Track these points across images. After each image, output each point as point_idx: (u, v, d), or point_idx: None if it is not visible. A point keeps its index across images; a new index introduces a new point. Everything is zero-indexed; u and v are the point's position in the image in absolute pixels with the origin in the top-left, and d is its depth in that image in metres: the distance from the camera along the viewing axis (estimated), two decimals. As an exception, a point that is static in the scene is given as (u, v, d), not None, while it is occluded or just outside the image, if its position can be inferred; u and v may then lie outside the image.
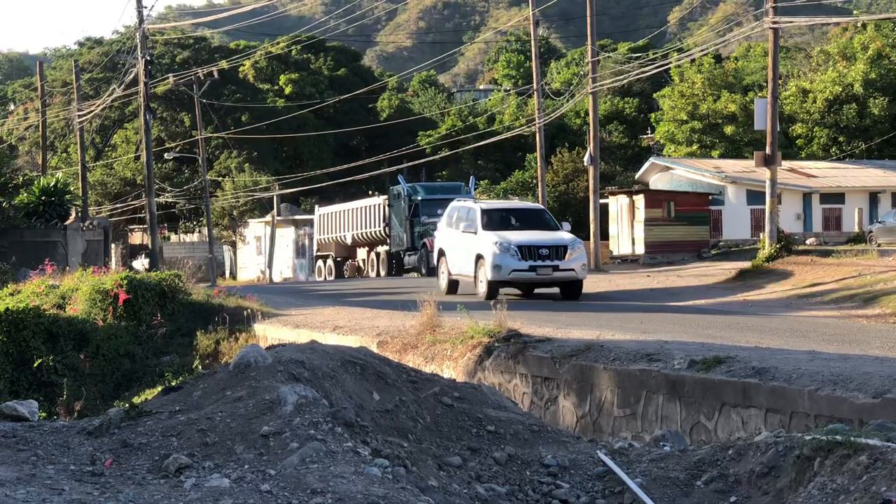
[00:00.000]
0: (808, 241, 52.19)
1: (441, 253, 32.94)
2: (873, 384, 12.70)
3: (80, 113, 61.64)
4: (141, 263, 65.34)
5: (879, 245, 47.82)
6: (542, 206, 37.78)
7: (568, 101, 62.99)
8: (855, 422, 11.54)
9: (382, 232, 60.17)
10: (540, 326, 21.10)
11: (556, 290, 30.93)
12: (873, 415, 11.49)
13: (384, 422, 10.36)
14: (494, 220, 31.33)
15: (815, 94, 71.94)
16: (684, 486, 9.62)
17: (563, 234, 30.96)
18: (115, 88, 56.40)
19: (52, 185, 52.32)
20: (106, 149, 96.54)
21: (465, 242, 30.93)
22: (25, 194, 52.14)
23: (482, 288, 29.81)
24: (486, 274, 29.57)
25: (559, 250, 29.70)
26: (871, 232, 54.19)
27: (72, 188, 56.00)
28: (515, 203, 44.61)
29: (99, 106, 62.33)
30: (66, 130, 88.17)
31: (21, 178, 55.16)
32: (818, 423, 12.20)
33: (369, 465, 8.95)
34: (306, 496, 8.22)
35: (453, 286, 32.15)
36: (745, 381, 14.27)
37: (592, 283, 37.90)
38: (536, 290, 31.50)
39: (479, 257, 29.94)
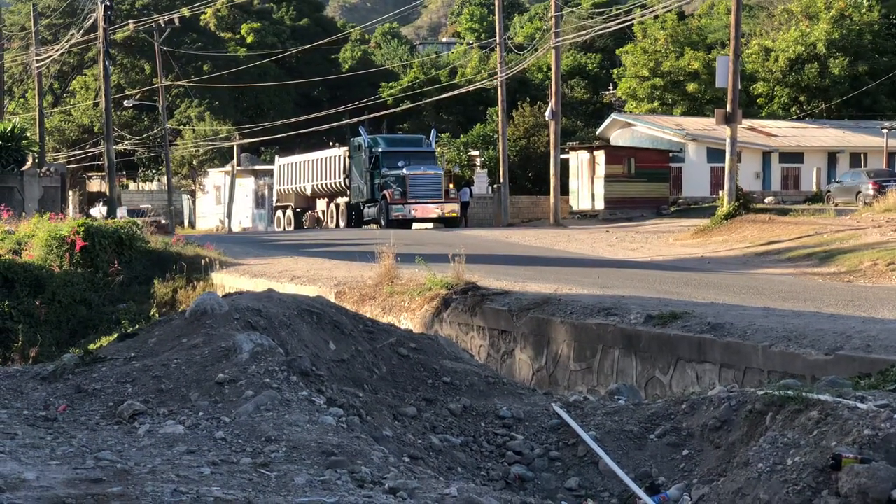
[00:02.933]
0: (766, 200, 52.45)
1: None
2: (826, 341, 12.80)
3: (39, 58, 61.00)
4: (99, 211, 64.88)
5: (837, 205, 48.11)
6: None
7: (530, 55, 62.84)
8: (807, 378, 11.63)
9: (343, 183, 60.01)
10: (498, 279, 21.12)
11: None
12: (826, 371, 11.59)
13: (340, 371, 10.36)
14: None
15: (778, 53, 72.05)
16: (638, 439, 9.67)
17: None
18: (73, 34, 55.82)
19: (8, 130, 51.78)
20: (64, 95, 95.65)
21: None
22: (-19, 139, 51.58)
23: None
24: None
25: None
26: (828, 191, 54.50)
27: (29, 134, 55.48)
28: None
29: (57, 51, 61.69)
30: (24, 76, 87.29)
31: (-23, 123, 54.54)
32: (771, 378, 12.29)
33: (324, 413, 8.95)
34: (260, 444, 8.22)
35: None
36: (701, 337, 14.35)
37: (552, 239, 37.97)
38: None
39: None
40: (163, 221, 54.20)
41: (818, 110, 72.35)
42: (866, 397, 8.33)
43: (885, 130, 59.42)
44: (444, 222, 53.83)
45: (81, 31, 54.77)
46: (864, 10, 73.13)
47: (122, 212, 59.04)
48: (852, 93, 70.59)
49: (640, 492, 8.68)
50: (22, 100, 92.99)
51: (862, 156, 64.52)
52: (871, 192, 49.40)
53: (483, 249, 31.80)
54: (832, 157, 64.83)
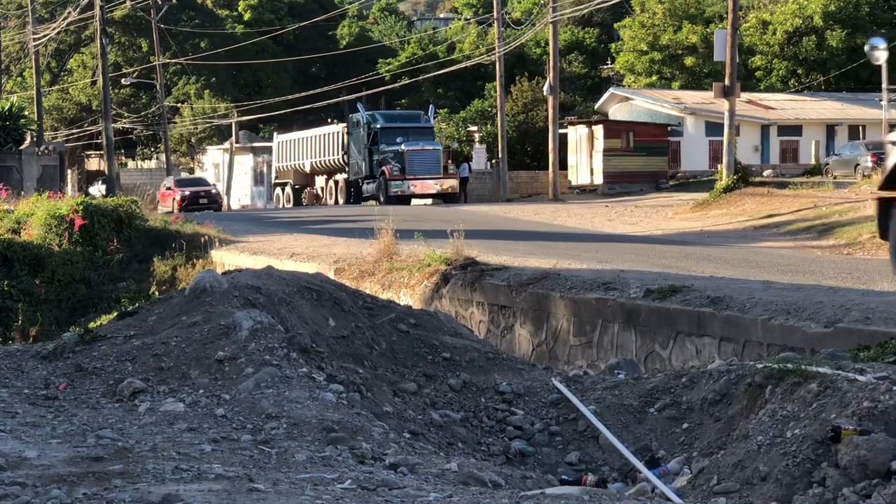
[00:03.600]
0: (765, 173, 52.42)
1: None
2: (825, 314, 12.81)
3: (36, 36, 60.84)
4: (97, 189, 64.85)
5: (835, 177, 48.09)
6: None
7: (528, 30, 62.71)
8: (807, 351, 11.65)
9: (341, 160, 59.94)
10: (497, 255, 21.13)
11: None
12: (825, 344, 11.60)
13: (340, 348, 10.37)
14: None
15: (775, 26, 71.86)
16: (638, 413, 9.70)
17: None
18: (70, 12, 55.67)
19: (6, 109, 51.69)
20: (62, 73, 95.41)
21: None
22: (-21, 118, 51.49)
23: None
24: None
25: None
26: (827, 164, 54.45)
27: (27, 113, 55.37)
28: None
29: (54, 29, 61.54)
30: (21, 54, 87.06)
31: (-25, 102, 54.43)
32: (771, 351, 12.30)
33: (324, 390, 8.97)
34: (261, 421, 8.24)
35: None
36: (700, 311, 14.35)
37: (551, 214, 37.99)
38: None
39: None
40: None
41: (816, 83, 72.22)
42: (865, 369, 8.35)
43: (883, 103, 59.36)
44: (442, 198, 53.80)
45: (78, 9, 54.65)
46: (862, -18, 72.95)
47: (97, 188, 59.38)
48: (850, 65, 70.40)
49: (640, 465, 8.70)
50: (20, 78, 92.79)
51: (860, 128, 64.43)
52: (869, 164, 49.35)
53: (482, 225, 31.80)
54: (830, 129, 64.74)
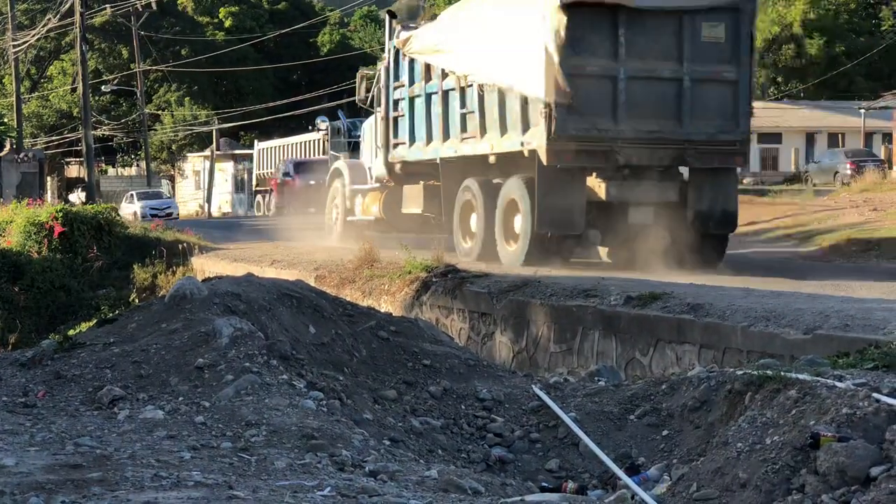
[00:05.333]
0: (745, 181, 52.51)
1: None
2: (805, 320, 12.84)
3: (15, 43, 60.68)
4: (77, 197, 64.71)
5: (815, 185, 48.28)
6: None
7: None
8: (786, 357, 11.67)
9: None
10: (477, 262, 21.13)
11: None
12: (804, 350, 11.63)
13: (320, 355, 10.36)
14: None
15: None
16: (618, 420, 9.71)
17: None
18: (50, 18, 55.55)
19: (-14, 116, 51.55)
20: (42, 80, 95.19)
21: None
22: (-41, 125, 51.39)
23: None
24: None
25: None
26: (807, 172, 54.68)
27: (6, 120, 55.32)
28: None
29: (34, 36, 61.37)
30: (1, 61, 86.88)
31: (-46, 109, 54.31)
32: (750, 358, 12.32)
33: (304, 397, 8.96)
34: (241, 428, 8.22)
35: None
36: (680, 318, 14.38)
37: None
38: None
39: None
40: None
41: (795, 91, 72.49)
42: (844, 376, 8.37)
43: (862, 111, 59.59)
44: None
45: (58, 16, 54.50)
46: (842, -9, 73.35)
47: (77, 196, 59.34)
48: (829, 72, 70.72)
49: (620, 472, 8.71)
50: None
51: (840, 136, 64.74)
52: (848, 172, 49.61)
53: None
54: (810, 137, 65.03)
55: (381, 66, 27.04)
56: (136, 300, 25.35)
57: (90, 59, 64.03)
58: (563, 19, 19.47)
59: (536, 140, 20.17)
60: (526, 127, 20.62)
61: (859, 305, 13.83)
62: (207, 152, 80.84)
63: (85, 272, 30.05)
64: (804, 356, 10.23)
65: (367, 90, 27.80)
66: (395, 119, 25.78)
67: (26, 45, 63.13)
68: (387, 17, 27.88)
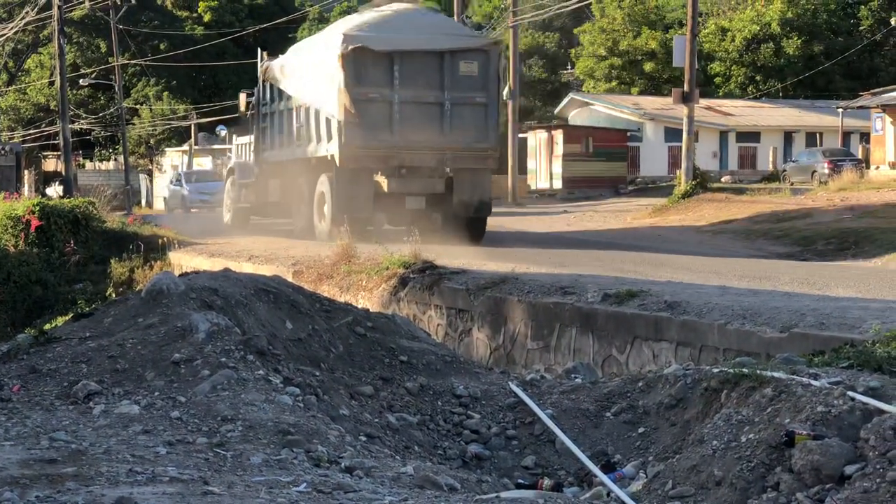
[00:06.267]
0: (723, 179, 52.68)
1: None
2: (781, 318, 12.89)
3: (-7, 36, 60.40)
4: (55, 190, 64.37)
5: (792, 184, 48.39)
6: None
7: (489, 34, 62.76)
8: (763, 355, 11.70)
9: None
10: (455, 258, 21.15)
11: None
12: (780, 349, 11.66)
13: (297, 350, 10.35)
14: None
15: (734, 33, 72.27)
16: (594, 417, 9.72)
17: None
18: (28, 11, 55.30)
19: (-37, 109, 51.31)
20: (19, 73, 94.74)
21: None
22: (-65, 118, 51.12)
23: None
24: None
25: None
26: (784, 171, 54.81)
27: (-17, 113, 54.99)
28: None
29: (11, 29, 61.07)
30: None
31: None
32: (727, 356, 12.36)
33: (280, 393, 8.95)
34: (216, 423, 8.21)
35: None
36: (657, 315, 14.41)
37: (509, 218, 38.06)
38: None
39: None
40: None
41: (774, 90, 72.67)
42: (820, 374, 8.40)
43: (840, 110, 59.79)
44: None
45: (36, 9, 54.23)
46: (820, -10, 73.50)
47: (54, 189, 58.08)
48: (807, 73, 70.90)
49: (595, 469, 8.72)
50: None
51: (818, 135, 64.90)
52: (826, 171, 49.74)
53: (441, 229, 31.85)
54: (788, 136, 65.17)
55: (256, 88, 34.90)
56: (113, 295, 25.26)
57: (68, 52, 63.81)
58: (349, 58, 26.52)
59: (334, 149, 27.21)
60: (329, 138, 27.61)
61: (835, 304, 13.88)
62: (185, 147, 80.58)
63: (62, 266, 29.95)
64: (780, 354, 10.26)
65: (246, 107, 35.72)
66: (263, 129, 33.64)
67: (4, 38, 62.85)
68: (258, 51, 36.33)
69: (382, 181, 27.60)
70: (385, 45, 26.85)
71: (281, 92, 31.78)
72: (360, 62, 26.65)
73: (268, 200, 33.67)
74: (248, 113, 35.56)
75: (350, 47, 26.59)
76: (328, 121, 27.64)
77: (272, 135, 32.64)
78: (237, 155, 39.02)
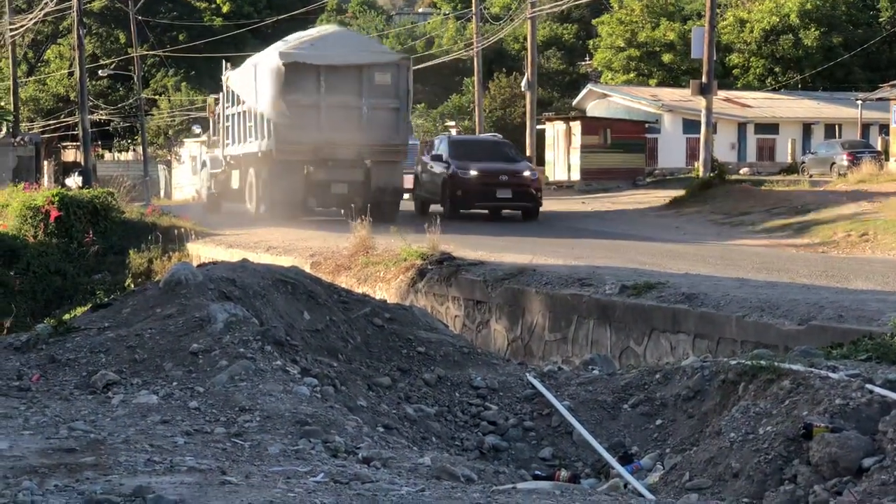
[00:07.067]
0: (741, 171, 52.56)
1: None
2: (799, 311, 12.86)
3: (12, 27, 60.55)
4: (74, 181, 64.49)
5: (811, 176, 48.26)
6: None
7: (507, 25, 62.72)
8: (780, 348, 11.69)
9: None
10: (473, 250, 21.15)
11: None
12: (798, 341, 11.65)
13: (314, 341, 10.37)
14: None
15: (753, 24, 72.05)
16: (612, 409, 9.72)
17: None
18: (48, 2, 55.42)
19: (-18, 99, 51.41)
20: (39, 64, 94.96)
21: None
22: (-45, 108, 51.24)
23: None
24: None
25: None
26: (803, 163, 54.64)
27: (3, 104, 55.18)
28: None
29: (31, 20, 61.22)
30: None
31: (-49, 92, 54.18)
32: (745, 348, 12.35)
33: (298, 383, 8.97)
34: (234, 413, 8.23)
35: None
36: (675, 307, 14.40)
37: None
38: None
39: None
40: None
41: (793, 81, 72.44)
42: (838, 367, 8.39)
43: (859, 102, 59.58)
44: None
45: (55, 0, 54.38)
46: (839, -19, 73.19)
47: (73, 180, 57.35)
48: (826, 64, 70.64)
49: (613, 461, 8.73)
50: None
51: (836, 127, 64.67)
52: (845, 163, 49.56)
53: (458, 220, 31.85)
54: (807, 128, 64.97)
55: (221, 93, 40.69)
56: (132, 285, 25.28)
57: (87, 43, 63.89)
58: (283, 71, 31.90)
59: (272, 145, 32.59)
60: (269, 136, 32.89)
61: (853, 297, 13.85)
62: (205, 137, 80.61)
63: (81, 257, 30.01)
64: (798, 347, 10.26)
65: (212, 110, 42.43)
66: (226, 128, 39.34)
67: (24, 28, 62.98)
68: (223, 61, 41.93)
69: (312, 171, 32.79)
70: (313, 60, 32.47)
71: (238, 97, 37.24)
72: (292, 74, 32.03)
73: (231, 188, 39.11)
74: (216, 114, 42.12)
75: (285, 62, 32.20)
76: (268, 121, 32.99)
77: (232, 133, 38.19)
78: (209, 149, 44.66)
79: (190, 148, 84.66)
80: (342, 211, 30.21)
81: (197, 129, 54.38)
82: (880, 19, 73.98)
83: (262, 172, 34.26)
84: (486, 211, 34.19)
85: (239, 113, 36.99)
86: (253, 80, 34.81)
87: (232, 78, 38.48)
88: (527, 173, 33.96)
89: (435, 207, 34.30)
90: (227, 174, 39.44)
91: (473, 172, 33.11)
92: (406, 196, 36.25)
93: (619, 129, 55.23)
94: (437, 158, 34.71)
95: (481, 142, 39.69)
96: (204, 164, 44.55)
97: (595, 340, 15.67)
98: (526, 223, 32.45)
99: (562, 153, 55.65)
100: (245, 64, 37.72)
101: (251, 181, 35.52)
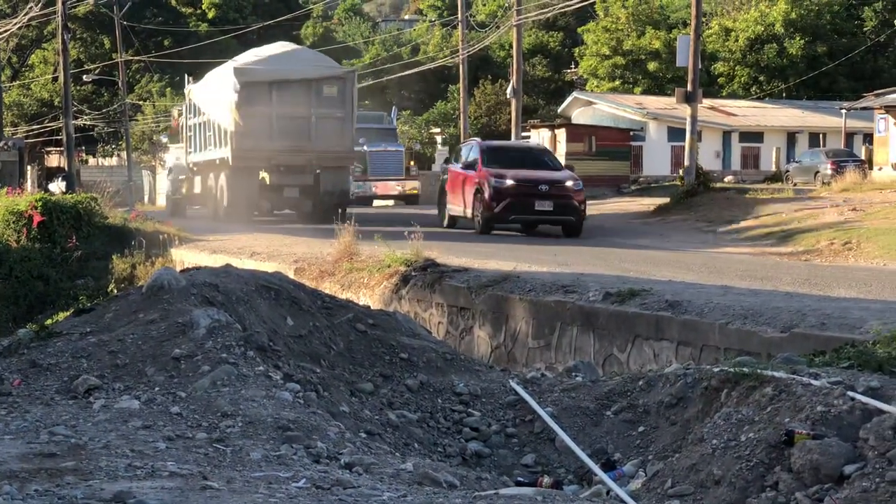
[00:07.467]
0: (726, 179, 52.68)
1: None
2: (782, 318, 12.88)
3: (-3, 31, 60.38)
4: (57, 186, 64.22)
5: (795, 184, 48.39)
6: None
7: (492, 33, 62.79)
8: (763, 355, 11.70)
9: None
10: (457, 256, 21.14)
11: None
12: (781, 348, 11.66)
13: (297, 347, 10.35)
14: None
15: (738, 33, 72.26)
16: (594, 415, 9.72)
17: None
18: (32, 7, 55.31)
19: (-34, 104, 51.23)
20: (23, 69, 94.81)
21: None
22: (-61, 113, 51.07)
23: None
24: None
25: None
26: (787, 171, 54.83)
27: (-13, 108, 54.93)
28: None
29: (15, 24, 61.10)
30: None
31: (-65, 97, 53.99)
32: (728, 356, 12.35)
33: (281, 389, 8.95)
34: (216, 419, 8.21)
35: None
36: (659, 314, 14.41)
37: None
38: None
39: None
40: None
41: (777, 90, 72.65)
42: (820, 374, 8.39)
43: (843, 111, 59.79)
44: (404, 200, 53.71)
45: (40, 5, 54.26)
46: (824, -9, 73.43)
47: (57, 185, 56.54)
48: (811, 73, 70.88)
49: (595, 468, 8.72)
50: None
51: (821, 136, 64.91)
52: (829, 171, 49.74)
53: (441, 226, 31.85)
54: (791, 137, 65.19)
55: (184, 104, 43.93)
56: (115, 290, 25.22)
57: (72, 48, 63.82)
58: (239, 87, 34.42)
59: (228, 152, 35.09)
60: (225, 144, 35.45)
61: (836, 304, 13.88)
62: (180, 145, 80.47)
63: (64, 262, 29.92)
64: (781, 354, 10.26)
65: (177, 121, 46.28)
66: (189, 137, 41.96)
67: (7, 33, 62.84)
68: (186, 76, 44.70)
69: (266, 176, 35.82)
70: (266, 76, 35.23)
71: (199, 108, 40.04)
72: (247, 88, 34.63)
73: (194, 192, 42.46)
74: (180, 124, 45.65)
75: (240, 78, 34.76)
76: (225, 131, 35.61)
77: (194, 141, 40.98)
78: (175, 157, 47.88)
79: (176, 153, 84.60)
80: (295, 213, 35.89)
81: (164, 139, 57.92)
82: (865, 29, 74.28)
83: (221, 178, 36.86)
84: (517, 225, 31.24)
85: (200, 123, 39.70)
86: (212, 93, 37.91)
87: (194, 91, 41.33)
88: (569, 183, 30.27)
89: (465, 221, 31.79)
90: (191, 180, 42.64)
91: (510, 182, 29.65)
92: (391, 202, 36.64)
93: (603, 136, 55.33)
94: (469, 166, 31.50)
95: (517, 148, 36.93)
96: (170, 171, 48.94)
97: (578, 347, 15.67)
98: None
99: (547, 160, 55.60)
100: (205, 78, 40.50)
101: (212, 186, 38.31)
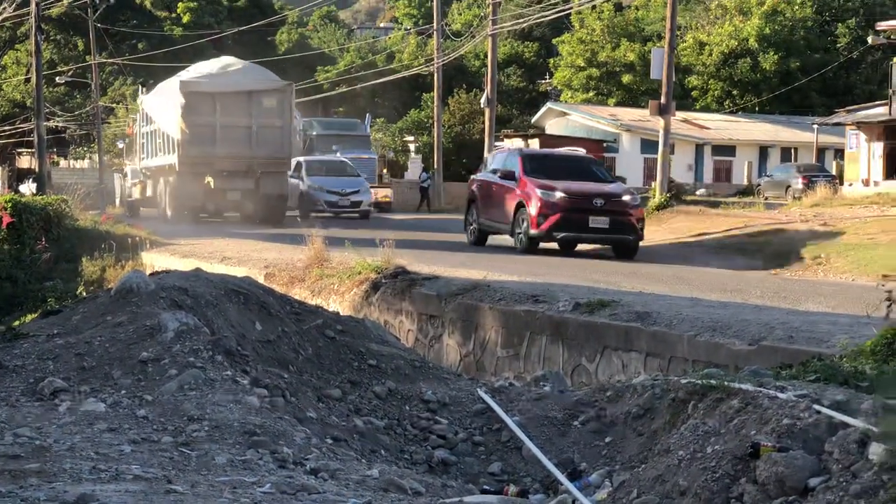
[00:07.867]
0: (698, 192, 52.85)
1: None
2: (750, 331, 12.93)
3: (-30, 31, 60.13)
4: (28, 188, 63.95)
5: (767, 198, 48.64)
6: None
7: (468, 42, 62.86)
8: (731, 367, 11.73)
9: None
10: (428, 265, 21.13)
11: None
12: (749, 361, 11.70)
13: (265, 352, 10.32)
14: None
15: (712, 47, 72.57)
16: (562, 425, 9.72)
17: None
18: (5, 7, 55.10)
19: (-62, 103, 50.99)
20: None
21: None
22: None
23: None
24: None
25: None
26: (759, 185, 55.11)
27: (-42, 108, 54.67)
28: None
29: (-11, 25, 60.87)
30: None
31: None
32: (696, 367, 12.37)
33: (248, 394, 8.92)
34: (183, 423, 8.18)
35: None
36: (628, 325, 14.44)
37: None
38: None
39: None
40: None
41: (751, 104, 72.98)
42: (786, 387, 8.41)
43: (815, 126, 60.11)
44: (377, 207, 53.64)
45: (13, 5, 54.06)
46: (797, 6, 73.79)
47: (27, 187, 56.42)
48: (783, 88, 71.22)
49: (561, 477, 8.72)
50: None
51: (792, 151, 65.28)
52: (800, 186, 50.00)
53: (414, 234, 31.83)
54: (763, 151, 65.51)
55: (138, 113, 48.02)
56: (84, 293, 25.09)
57: (45, 49, 63.60)
58: (183, 98, 37.78)
59: (174, 159, 38.48)
60: (172, 151, 38.74)
61: (805, 318, 13.94)
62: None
63: (32, 264, 29.69)
64: (748, 367, 10.29)
65: (132, 128, 50.04)
66: (142, 144, 45.85)
67: (-19, 33, 62.55)
68: (139, 86, 49.05)
69: (210, 180, 38.52)
70: (210, 88, 38.32)
71: (150, 117, 43.18)
72: (192, 99, 37.74)
73: (146, 196, 45.85)
74: (134, 132, 49.55)
75: (185, 90, 38.03)
76: (172, 139, 38.80)
77: (146, 148, 44.42)
78: (129, 162, 52.40)
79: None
80: (237, 214, 39.89)
81: (121, 144, 62.40)
82: (838, 45, 74.69)
83: (169, 182, 40.20)
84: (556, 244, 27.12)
85: (151, 131, 43.13)
86: (161, 103, 40.88)
87: (146, 101, 44.90)
88: (626, 198, 26.66)
89: (500, 237, 28.34)
90: (144, 184, 46.32)
91: (560, 195, 25.95)
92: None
93: (577, 147, 55.37)
94: (507, 177, 27.31)
95: (562, 157, 31.12)
96: (125, 175, 53.90)
97: (547, 357, 15.68)
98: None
99: (519, 170, 55.68)
100: (156, 89, 43.54)
101: (161, 189, 41.79)
